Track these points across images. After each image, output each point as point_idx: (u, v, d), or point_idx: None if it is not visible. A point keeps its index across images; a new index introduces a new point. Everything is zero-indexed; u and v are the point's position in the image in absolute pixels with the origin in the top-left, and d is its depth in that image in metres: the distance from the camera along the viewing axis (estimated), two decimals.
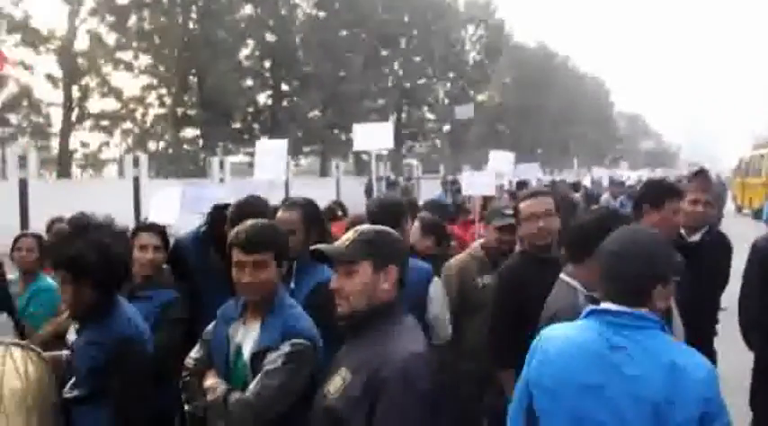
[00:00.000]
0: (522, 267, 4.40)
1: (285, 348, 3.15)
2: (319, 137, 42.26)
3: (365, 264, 2.87)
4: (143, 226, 4.92)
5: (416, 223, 5.71)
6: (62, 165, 33.01)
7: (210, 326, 3.54)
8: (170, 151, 36.98)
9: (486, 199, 9.49)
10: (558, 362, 2.73)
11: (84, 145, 35.26)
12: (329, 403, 2.81)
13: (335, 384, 2.83)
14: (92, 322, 3.43)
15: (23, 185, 21.03)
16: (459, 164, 41.84)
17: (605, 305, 2.70)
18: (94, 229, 3.40)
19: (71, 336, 3.53)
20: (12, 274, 5.55)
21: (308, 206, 4.41)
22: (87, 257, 3.29)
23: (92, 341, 3.38)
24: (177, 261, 4.99)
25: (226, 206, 4.79)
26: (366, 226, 3.12)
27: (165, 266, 4.91)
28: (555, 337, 2.82)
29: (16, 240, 5.78)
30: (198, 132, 38.63)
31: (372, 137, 9.38)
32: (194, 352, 3.54)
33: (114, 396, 3.30)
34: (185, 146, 38.41)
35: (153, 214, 6.70)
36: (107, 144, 35.81)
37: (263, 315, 3.30)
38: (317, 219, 4.40)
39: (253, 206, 4.57)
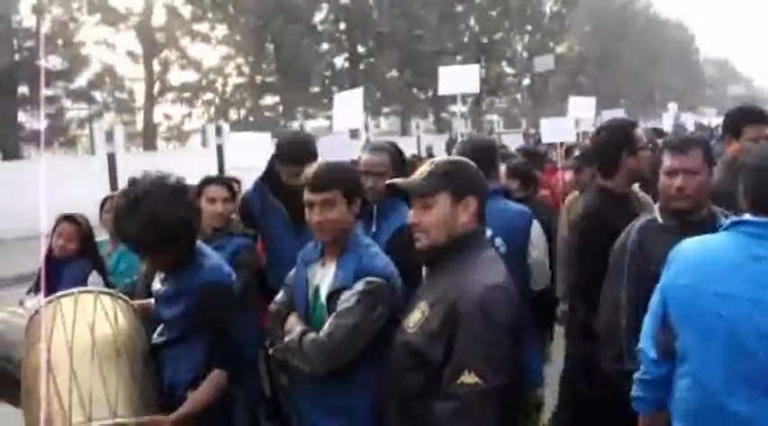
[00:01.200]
0: (602, 205, 4.17)
1: (359, 286, 3.11)
2: (398, 98, 42.06)
3: (443, 196, 2.79)
4: (210, 179, 4.94)
5: (502, 166, 5.66)
6: (147, 138, 33.76)
7: (292, 271, 3.54)
8: (251, 119, 37.31)
9: (569, 147, 9.33)
10: (695, 271, 2.70)
11: (167, 117, 36.00)
12: (408, 337, 2.78)
13: (414, 317, 2.79)
14: (176, 272, 3.46)
15: (111, 159, 21.66)
16: (541, 118, 41.10)
17: (747, 217, 2.64)
18: (145, 199, 3.27)
19: (156, 285, 3.57)
20: (101, 236, 5.70)
21: (393, 150, 4.36)
22: (145, 237, 3.26)
23: (179, 290, 3.41)
24: (245, 213, 5.04)
25: None
26: (442, 158, 3.05)
27: (234, 216, 4.96)
28: (695, 247, 2.79)
29: (103, 203, 5.96)
30: (277, 99, 38.85)
31: (458, 80, 9.17)
32: (278, 297, 3.55)
33: (203, 340, 3.33)
34: (266, 113, 38.71)
35: (234, 159, 6.50)
36: (189, 115, 36.42)
37: (338, 256, 3.28)
38: (402, 163, 4.36)
39: (295, 137, 4.77)
